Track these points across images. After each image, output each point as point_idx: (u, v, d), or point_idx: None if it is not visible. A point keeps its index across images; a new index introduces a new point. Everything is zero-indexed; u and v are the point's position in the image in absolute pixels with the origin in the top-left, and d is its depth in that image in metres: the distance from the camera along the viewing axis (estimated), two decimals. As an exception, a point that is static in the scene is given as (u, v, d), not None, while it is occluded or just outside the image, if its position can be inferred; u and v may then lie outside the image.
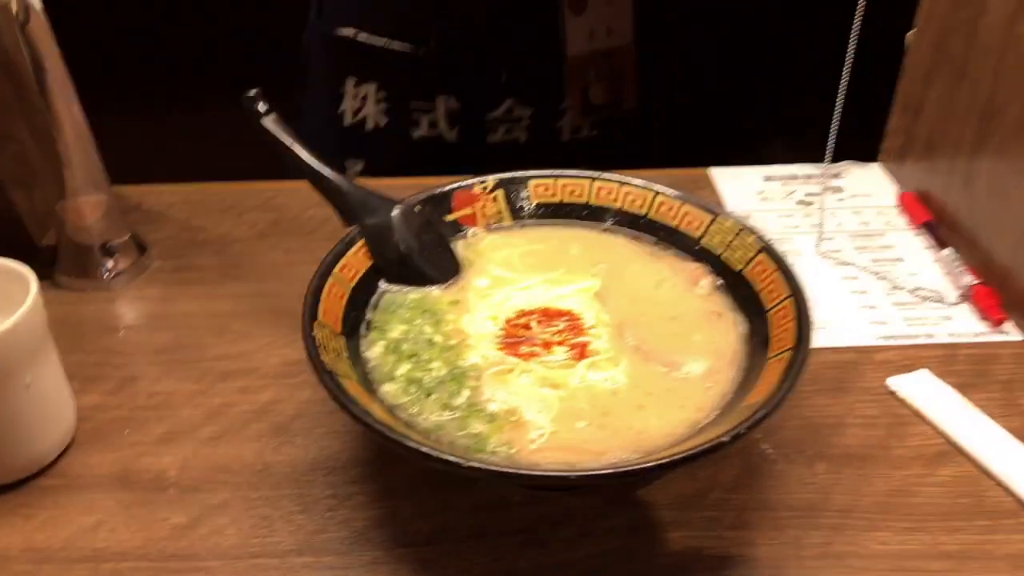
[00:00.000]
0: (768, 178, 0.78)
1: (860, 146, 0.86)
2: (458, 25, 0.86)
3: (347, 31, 0.87)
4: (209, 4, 1.54)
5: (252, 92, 0.54)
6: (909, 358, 0.57)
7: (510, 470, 0.37)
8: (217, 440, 0.52)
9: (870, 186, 0.77)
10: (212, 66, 1.38)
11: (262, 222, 0.73)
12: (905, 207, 0.72)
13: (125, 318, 0.63)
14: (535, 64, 0.88)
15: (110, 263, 0.65)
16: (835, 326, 0.60)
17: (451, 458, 0.37)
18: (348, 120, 0.90)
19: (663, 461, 0.37)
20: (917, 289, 0.64)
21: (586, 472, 0.38)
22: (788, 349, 0.44)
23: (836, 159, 0.78)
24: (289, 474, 0.50)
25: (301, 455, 0.51)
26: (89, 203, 0.63)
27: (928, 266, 0.66)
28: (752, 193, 0.76)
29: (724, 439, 0.38)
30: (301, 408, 0.54)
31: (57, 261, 0.65)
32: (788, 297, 0.48)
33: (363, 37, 0.86)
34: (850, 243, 0.69)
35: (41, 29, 0.57)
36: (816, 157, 0.76)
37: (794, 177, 0.78)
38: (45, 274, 0.68)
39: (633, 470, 0.38)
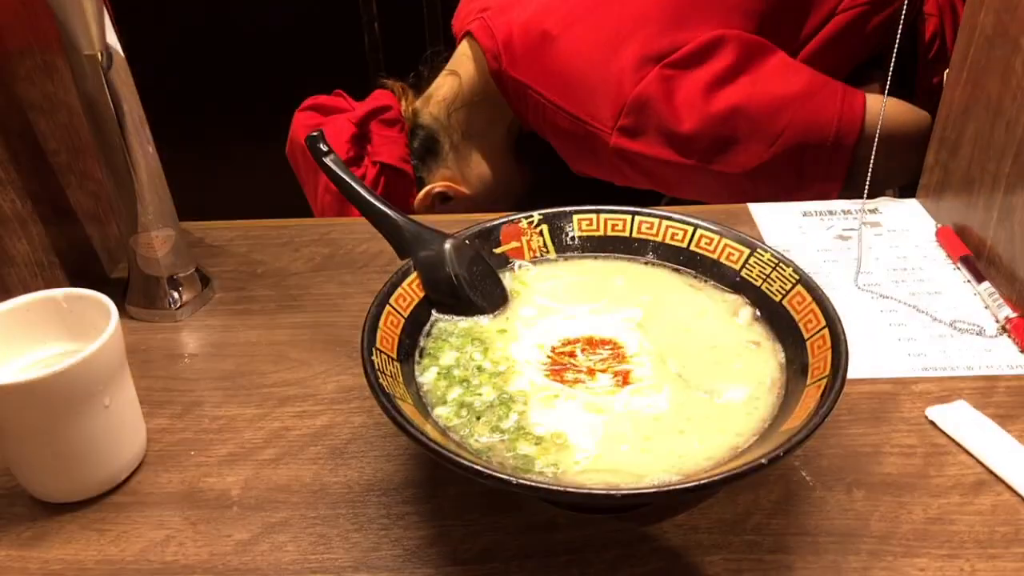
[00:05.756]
0: (806, 213, 0.80)
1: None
2: None
3: None
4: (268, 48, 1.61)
5: (315, 132, 0.58)
6: (947, 389, 0.58)
7: (556, 488, 0.40)
8: (277, 462, 0.55)
9: (908, 221, 0.78)
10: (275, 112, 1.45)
11: (318, 256, 0.77)
12: (943, 242, 0.73)
13: (190, 346, 0.67)
14: None
15: (176, 294, 0.69)
16: (873, 358, 0.61)
17: (502, 476, 0.40)
18: None
19: (702, 482, 0.39)
20: (955, 322, 0.64)
21: (628, 491, 0.40)
22: (824, 376, 0.46)
23: (874, 195, 0.81)
24: (345, 494, 0.52)
25: (356, 476, 0.54)
26: (159, 238, 0.67)
27: (967, 299, 0.67)
28: (791, 228, 0.78)
29: (762, 462, 0.40)
30: (356, 432, 0.57)
31: (128, 292, 0.70)
32: (824, 327, 0.49)
33: None
34: (888, 277, 0.70)
35: (123, 74, 0.62)
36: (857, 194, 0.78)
37: (832, 212, 0.80)
38: (116, 304, 0.72)
39: (674, 490, 0.39)
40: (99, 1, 0.53)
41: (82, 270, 0.71)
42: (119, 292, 0.70)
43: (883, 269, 0.72)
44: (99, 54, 0.58)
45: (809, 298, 0.52)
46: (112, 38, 0.60)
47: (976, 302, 0.67)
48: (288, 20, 1.58)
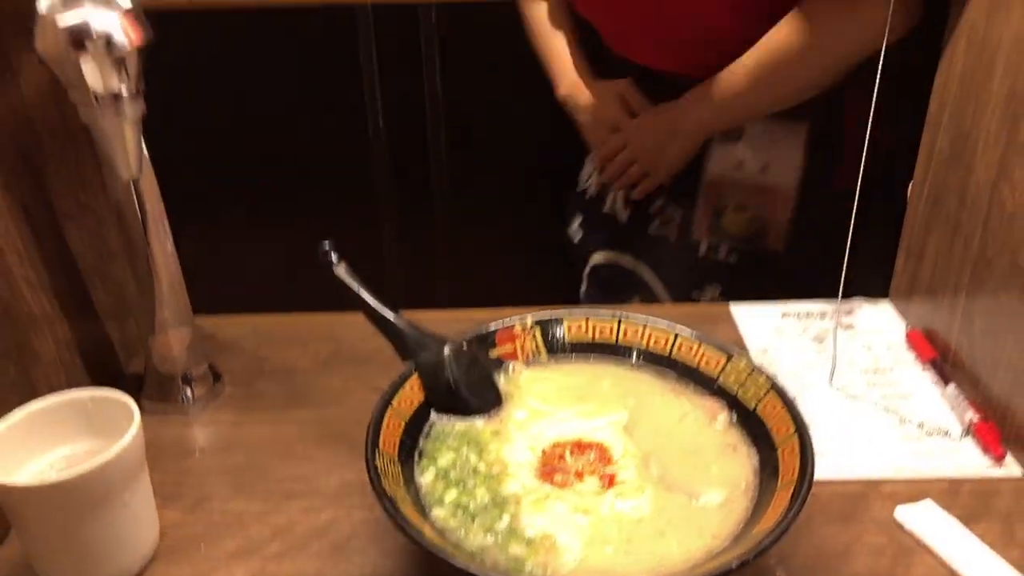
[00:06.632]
0: (785, 315, 0.85)
1: (876, 280, 0.91)
2: None
3: None
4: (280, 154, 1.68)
5: (326, 244, 0.63)
6: (915, 490, 0.62)
7: (546, 590, 0.43)
8: (282, 556, 0.58)
9: (880, 323, 0.83)
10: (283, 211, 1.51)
11: (323, 352, 0.81)
12: (913, 344, 0.78)
13: (200, 441, 0.70)
14: (687, 172, 1.00)
15: (189, 391, 0.73)
16: (846, 458, 0.65)
17: (494, 578, 0.43)
18: (582, 184, 1.17)
19: (680, 584, 0.43)
20: (924, 424, 0.69)
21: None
22: (793, 481, 0.50)
23: (854, 292, 0.85)
24: (346, 589, 0.55)
25: (357, 572, 0.57)
26: (176, 337, 0.72)
27: (935, 401, 0.71)
28: (769, 329, 0.83)
29: (733, 565, 0.44)
30: (356, 528, 0.60)
31: (143, 387, 0.74)
32: (794, 434, 0.53)
33: None
34: (861, 378, 0.75)
35: (149, 181, 0.67)
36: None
37: (809, 314, 0.85)
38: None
39: (653, 592, 0.43)
40: (139, 132, 0.58)
41: (100, 366, 0.75)
42: (134, 386, 0.74)
43: (856, 371, 0.76)
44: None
45: (781, 405, 0.56)
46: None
47: (944, 404, 0.71)
48: (295, 109, 1.65)
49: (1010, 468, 0.64)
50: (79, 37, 0.49)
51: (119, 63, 0.52)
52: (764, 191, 0.97)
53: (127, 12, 0.52)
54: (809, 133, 0.95)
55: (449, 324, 0.65)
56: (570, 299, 1.22)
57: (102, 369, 0.75)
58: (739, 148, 0.96)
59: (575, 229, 1.19)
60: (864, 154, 0.73)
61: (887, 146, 0.84)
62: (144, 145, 0.65)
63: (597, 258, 1.14)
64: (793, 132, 0.95)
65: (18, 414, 0.55)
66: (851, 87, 0.94)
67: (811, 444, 0.52)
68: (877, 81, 0.70)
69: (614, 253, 1.12)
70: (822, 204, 0.98)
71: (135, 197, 0.66)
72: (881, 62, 0.67)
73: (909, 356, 0.78)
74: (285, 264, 1.20)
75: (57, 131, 0.69)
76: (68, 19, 0.49)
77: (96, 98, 0.53)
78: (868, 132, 0.70)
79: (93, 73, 0.51)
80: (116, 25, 0.50)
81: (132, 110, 0.55)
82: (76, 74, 0.52)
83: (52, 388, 0.67)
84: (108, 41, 0.50)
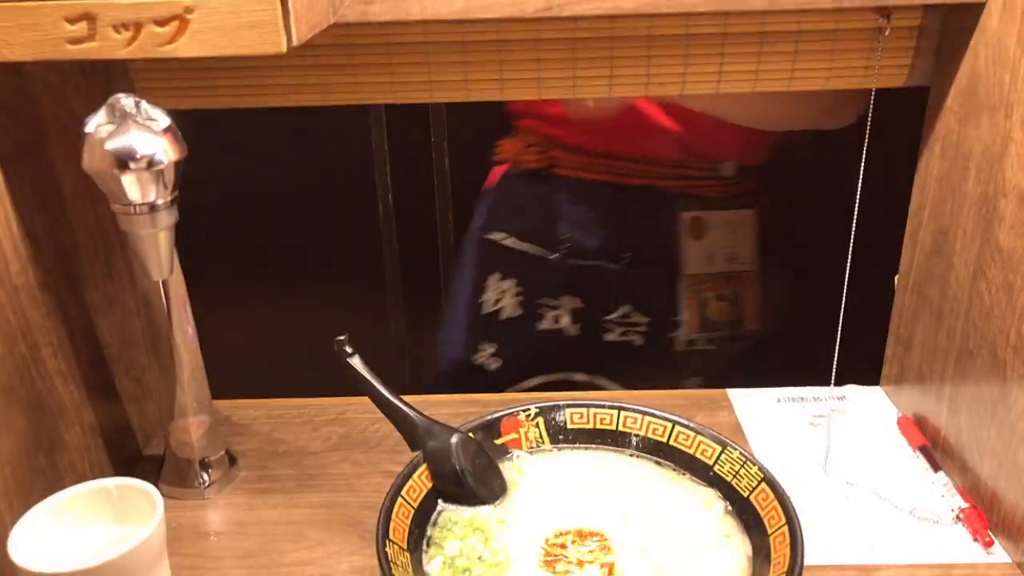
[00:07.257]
0: (780, 400, 0.88)
1: (869, 366, 0.94)
2: (586, 237, 1.04)
3: (497, 235, 1.07)
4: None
5: (341, 337, 0.67)
6: (907, 577, 0.64)
7: None
8: (294, 641, 0.60)
9: (872, 409, 0.85)
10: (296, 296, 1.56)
11: (334, 436, 0.84)
12: (904, 430, 0.81)
13: (215, 524, 0.73)
14: (654, 278, 1.04)
15: (206, 475, 0.76)
16: (840, 544, 0.67)
17: (499, 666, 0.45)
18: (487, 308, 1.08)
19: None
20: (915, 510, 0.71)
21: None
22: (784, 570, 0.52)
23: (847, 379, 0.88)
24: (355, 675, 0.57)
25: (366, 657, 0.59)
26: (195, 423, 0.75)
27: (926, 488, 0.74)
28: (765, 414, 0.85)
29: (727, 655, 0.46)
30: (366, 613, 0.62)
31: (161, 472, 0.76)
32: (785, 524, 0.56)
33: (509, 242, 1.07)
34: (854, 464, 0.77)
35: (177, 278, 0.71)
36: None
37: (803, 399, 0.88)
38: (149, 482, 0.79)
39: None
40: (172, 236, 0.63)
41: (120, 449, 0.78)
42: (152, 470, 0.77)
43: (849, 456, 0.78)
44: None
45: (772, 496, 0.59)
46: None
47: (934, 490, 0.73)
48: (310, 202, 1.71)
49: (998, 555, 0.66)
50: (124, 159, 0.54)
51: (157, 176, 0.57)
52: (734, 277, 1.05)
53: (166, 130, 0.57)
54: (756, 218, 1.04)
55: (456, 407, 0.68)
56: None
57: (122, 452, 0.79)
58: (706, 244, 1.04)
59: (487, 358, 1.09)
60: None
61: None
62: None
63: (531, 383, 1.07)
64: (743, 220, 1.04)
65: (49, 503, 0.58)
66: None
67: (801, 534, 0.54)
68: (860, 176, 0.75)
69: (559, 374, 1.07)
70: (783, 283, 1.07)
71: (162, 293, 0.70)
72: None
73: (901, 441, 0.80)
74: (294, 347, 1.23)
75: (92, 230, 0.74)
76: (114, 143, 0.54)
77: (134, 208, 0.58)
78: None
79: (133, 187, 0.56)
80: (159, 147, 0.55)
81: (166, 218, 0.60)
82: (118, 188, 0.56)
83: (76, 473, 0.71)
84: (150, 161, 0.55)
